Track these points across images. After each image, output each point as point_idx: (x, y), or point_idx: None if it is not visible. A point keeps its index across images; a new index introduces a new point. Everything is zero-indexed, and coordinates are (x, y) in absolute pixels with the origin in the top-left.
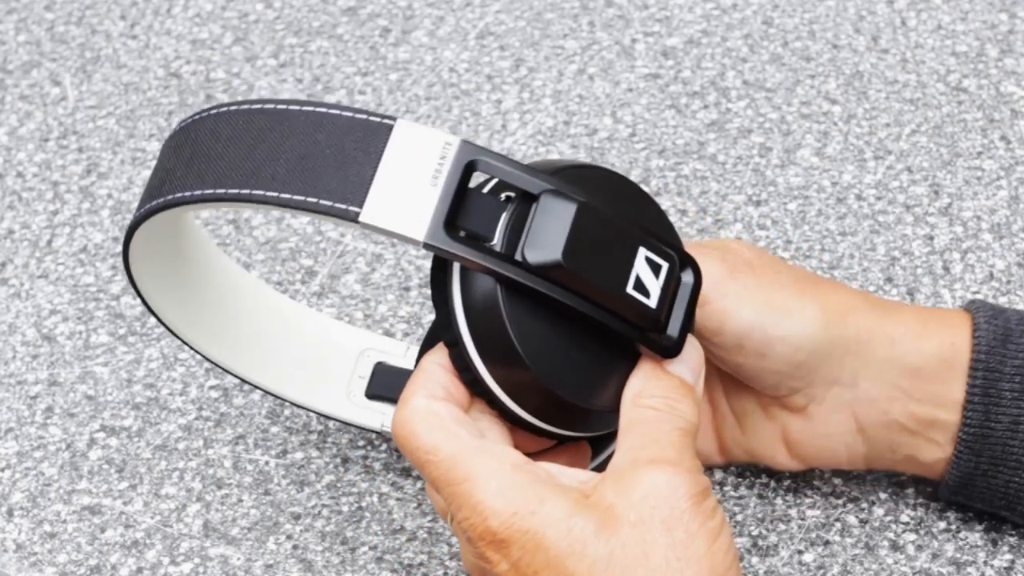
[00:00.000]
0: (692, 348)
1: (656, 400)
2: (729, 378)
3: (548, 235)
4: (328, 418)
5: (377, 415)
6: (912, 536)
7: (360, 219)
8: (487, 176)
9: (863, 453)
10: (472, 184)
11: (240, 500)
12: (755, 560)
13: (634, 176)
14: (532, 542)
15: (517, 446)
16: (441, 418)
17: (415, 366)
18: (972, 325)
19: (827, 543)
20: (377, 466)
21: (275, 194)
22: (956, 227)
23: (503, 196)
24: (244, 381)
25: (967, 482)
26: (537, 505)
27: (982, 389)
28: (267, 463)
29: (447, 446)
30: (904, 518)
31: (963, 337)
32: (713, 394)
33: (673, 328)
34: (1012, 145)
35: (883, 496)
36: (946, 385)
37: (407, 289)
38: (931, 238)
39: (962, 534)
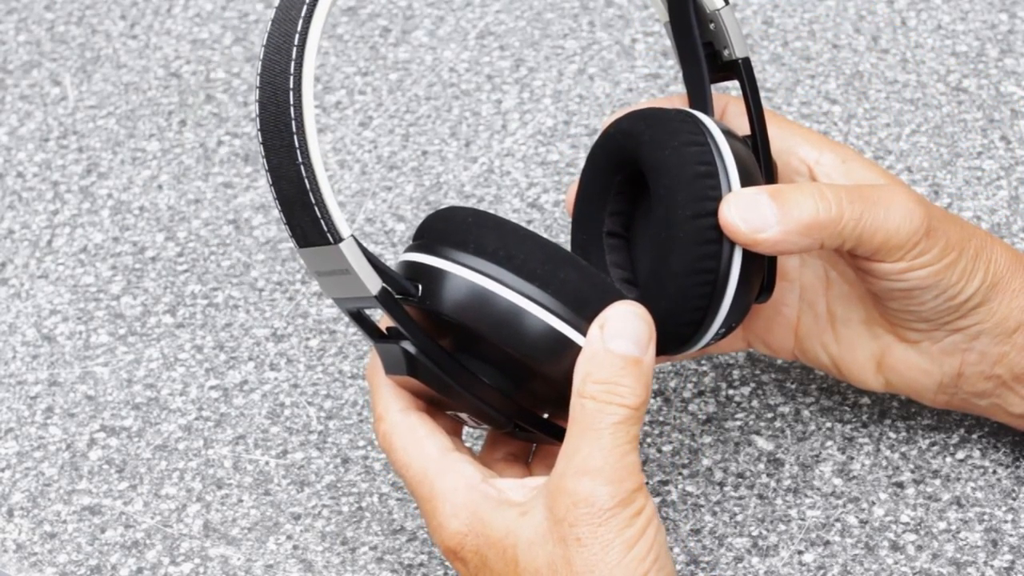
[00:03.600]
0: (635, 318)
1: (597, 388)
2: (836, 280)
3: None
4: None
5: None
6: (912, 536)
7: None
8: None
9: (951, 393)
10: None
11: (240, 500)
12: (755, 560)
13: None
14: (479, 559)
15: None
16: (413, 431)
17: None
18: None
19: (827, 543)
20: (377, 466)
21: None
22: None
23: None
24: None
25: None
26: (482, 527)
27: None
28: (267, 463)
29: (417, 463)
30: (904, 518)
31: None
32: (810, 288)
33: None
34: (1012, 145)
35: (883, 496)
36: None
37: None
38: None
39: (962, 534)
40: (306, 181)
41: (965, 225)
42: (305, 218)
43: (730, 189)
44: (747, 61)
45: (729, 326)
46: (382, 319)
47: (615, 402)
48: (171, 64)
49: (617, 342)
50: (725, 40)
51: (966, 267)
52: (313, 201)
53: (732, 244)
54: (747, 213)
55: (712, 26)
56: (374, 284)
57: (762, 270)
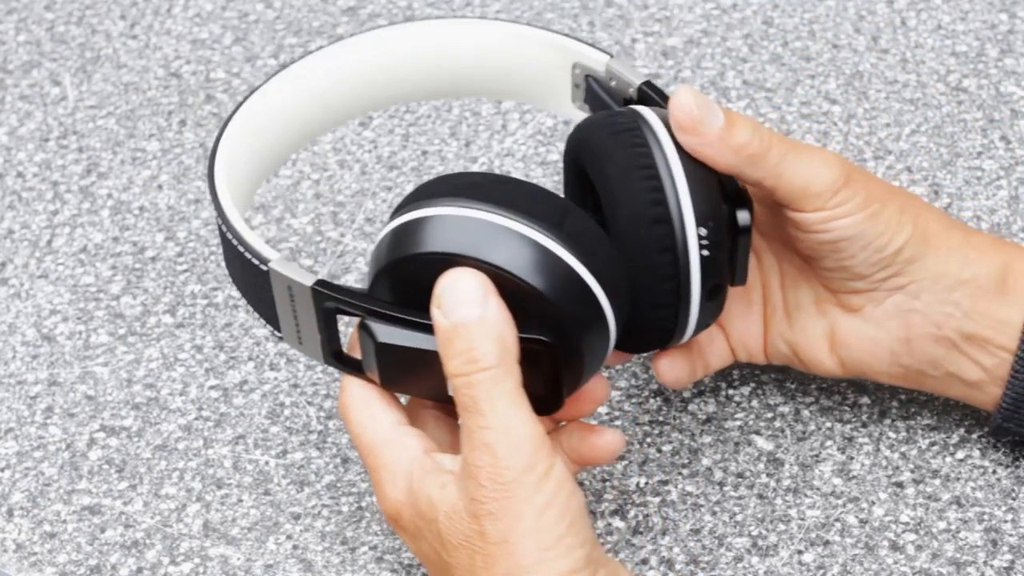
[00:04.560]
0: (460, 281)
1: (457, 362)
2: (788, 270)
3: None
4: None
5: None
6: (912, 536)
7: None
8: None
9: (905, 364)
10: None
11: (240, 500)
12: (755, 560)
13: None
14: (415, 528)
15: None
16: (369, 404)
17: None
18: None
19: (827, 543)
20: None
21: None
22: None
23: None
24: None
25: (1021, 405)
26: (413, 498)
27: None
28: (267, 463)
29: (369, 434)
30: (904, 518)
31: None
32: (768, 286)
33: None
34: (1012, 145)
35: (883, 496)
36: (1002, 307)
37: None
38: None
39: (962, 534)
40: (229, 234)
41: (894, 187)
42: (248, 276)
43: (658, 141)
44: (647, 83)
45: (715, 283)
46: None
47: (476, 369)
48: (171, 64)
49: (457, 313)
50: (625, 82)
51: (891, 219)
52: (234, 241)
53: (672, 176)
54: (701, 102)
55: (614, 83)
56: (307, 278)
57: (711, 199)
